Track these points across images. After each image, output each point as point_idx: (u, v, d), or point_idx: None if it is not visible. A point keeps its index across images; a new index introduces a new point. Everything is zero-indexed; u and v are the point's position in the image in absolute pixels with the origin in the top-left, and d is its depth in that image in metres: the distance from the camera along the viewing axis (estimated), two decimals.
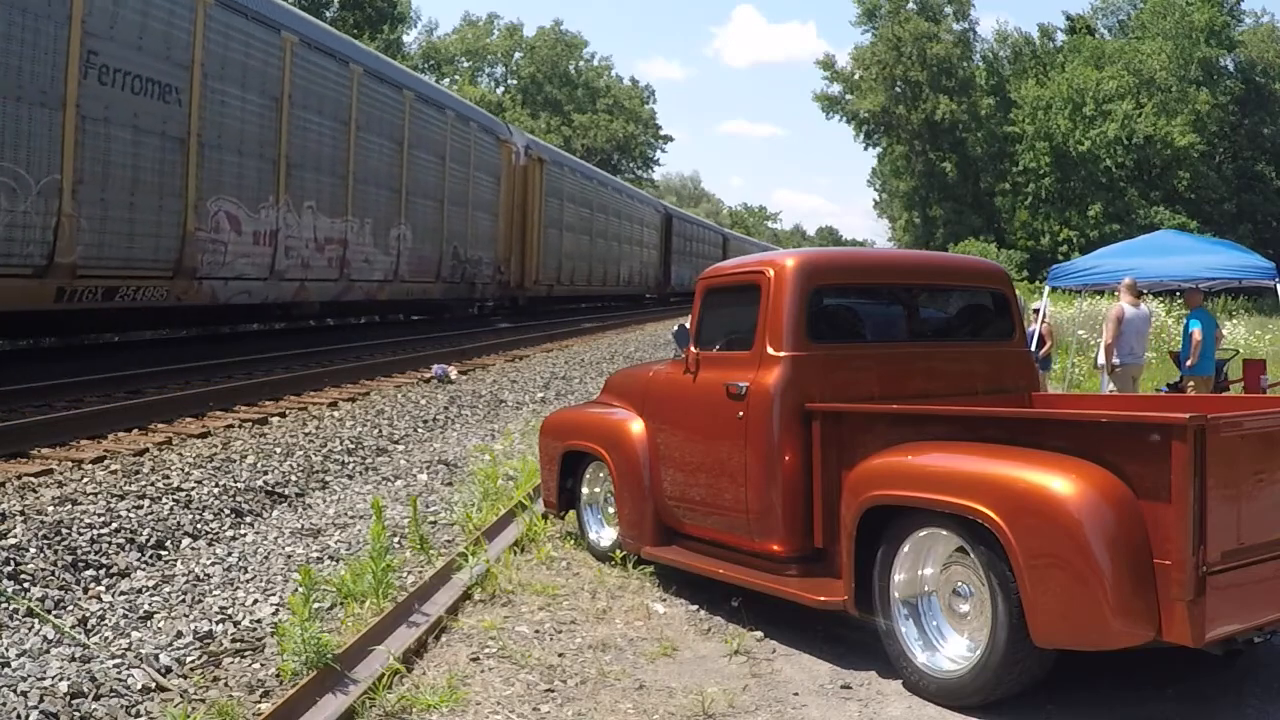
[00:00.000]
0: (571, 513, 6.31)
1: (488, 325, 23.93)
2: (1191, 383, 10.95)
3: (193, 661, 4.26)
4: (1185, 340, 11.24)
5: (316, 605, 4.37)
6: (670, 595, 5.37)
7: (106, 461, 7.47)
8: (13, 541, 5.32)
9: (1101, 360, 11.06)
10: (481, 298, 24.30)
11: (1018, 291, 6.22)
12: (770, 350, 4.83)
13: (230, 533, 6.30)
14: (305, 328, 19.26)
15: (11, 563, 5.06)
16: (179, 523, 6.22)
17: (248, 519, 6.64)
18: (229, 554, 5.80)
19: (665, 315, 36.32)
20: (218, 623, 4.68)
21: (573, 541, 6.23)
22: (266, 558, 5.78)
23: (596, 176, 36.31)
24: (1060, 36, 61.84)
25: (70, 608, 4.78)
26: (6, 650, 4.16)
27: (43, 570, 5.09)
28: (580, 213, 31.97)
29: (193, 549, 5.91)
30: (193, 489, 6.89)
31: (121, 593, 5.05)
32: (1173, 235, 14.97)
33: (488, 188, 23.44)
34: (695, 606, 5.16)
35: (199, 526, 6.28)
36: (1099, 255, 13.96)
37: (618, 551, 5.76)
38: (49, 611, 4.65)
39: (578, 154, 59.23)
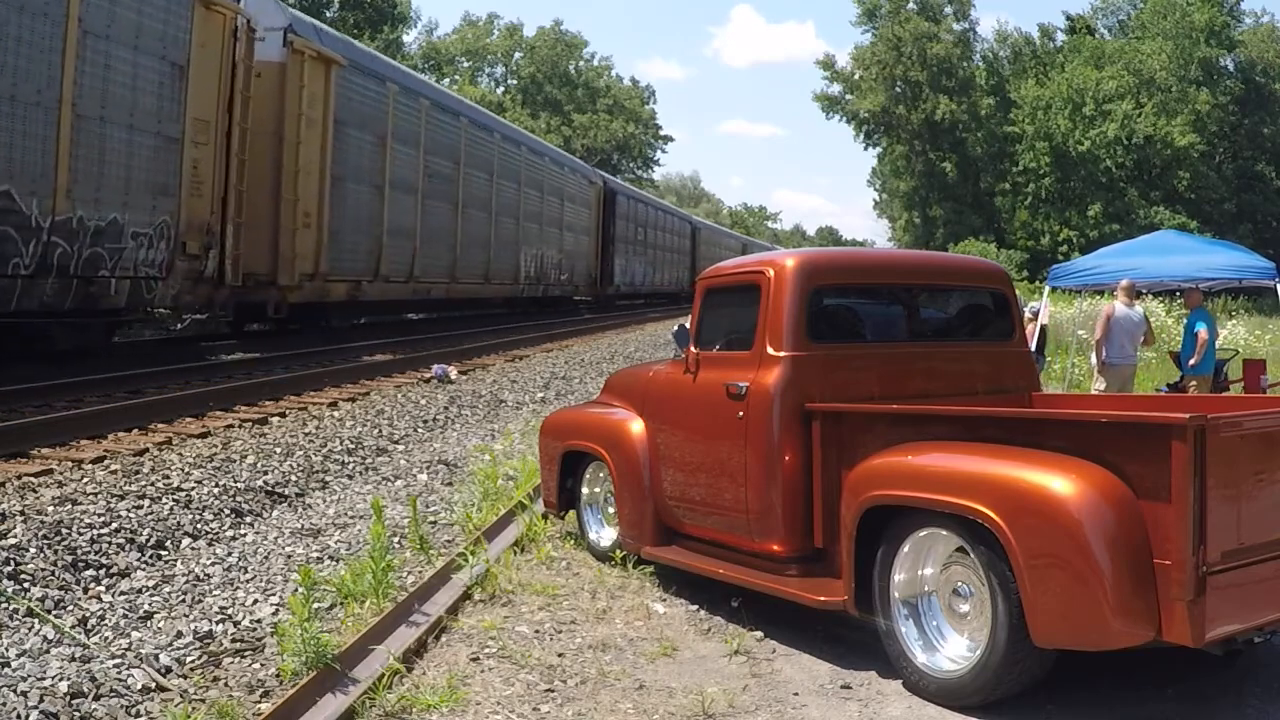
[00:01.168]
0: (571, 513, 6.31)
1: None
2: (1194, 382, 10.96)
3: (193, 661, 4.26)
4: (1189, 340, 11.25)
5: (316, 605, 4.37)
6: (670, 595, 5.37)
7: (106, 461, 7.47)
8: (13, 541, 5.32)
9: (1093, 359, 11.13)
10: (133, 304, 12.16)
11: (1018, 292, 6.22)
12: (770, 350, 4.83)
13: (230, 533, 6.30)
14: (305, 327, 19.23)
15: (11, 563, 5.06)
16: (179, 523, 6.22)
17: (248, 519, 6.64)
18: (229, 554, 5.80)
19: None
20: (218, 623, 4.68)
21: (573, 541, 6.23)
22: (266, 558, 5.78)
23: (468, 113, 22.59)
24: (1060, 36, 61.94)
25: (70, 608, 4.78)
26: (6, 650, 4.16)
27: (43, 570, 5.09)
28: (435, 166, 19.80)
29: (193, 549, 5.91)
30: (193, 489, 6.89)
31: (121, 593, 5.04)
32: (1173, 235, 14.98)
33: (149, 83, 11.50)
34: (695, 606, 5.16)
35: (199, 526, 6.28)
36: (1099, 255, 13.97)
37: (618, 551, 5.76)
38: (49, 611, 4.65)
39: (577, 154, 58.04)
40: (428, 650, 4.49)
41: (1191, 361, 11.08)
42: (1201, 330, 11.03)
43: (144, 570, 5.45)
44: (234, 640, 4.49)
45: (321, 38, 16.16)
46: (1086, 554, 3.41)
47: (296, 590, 4.37)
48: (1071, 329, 16.85)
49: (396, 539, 6.08)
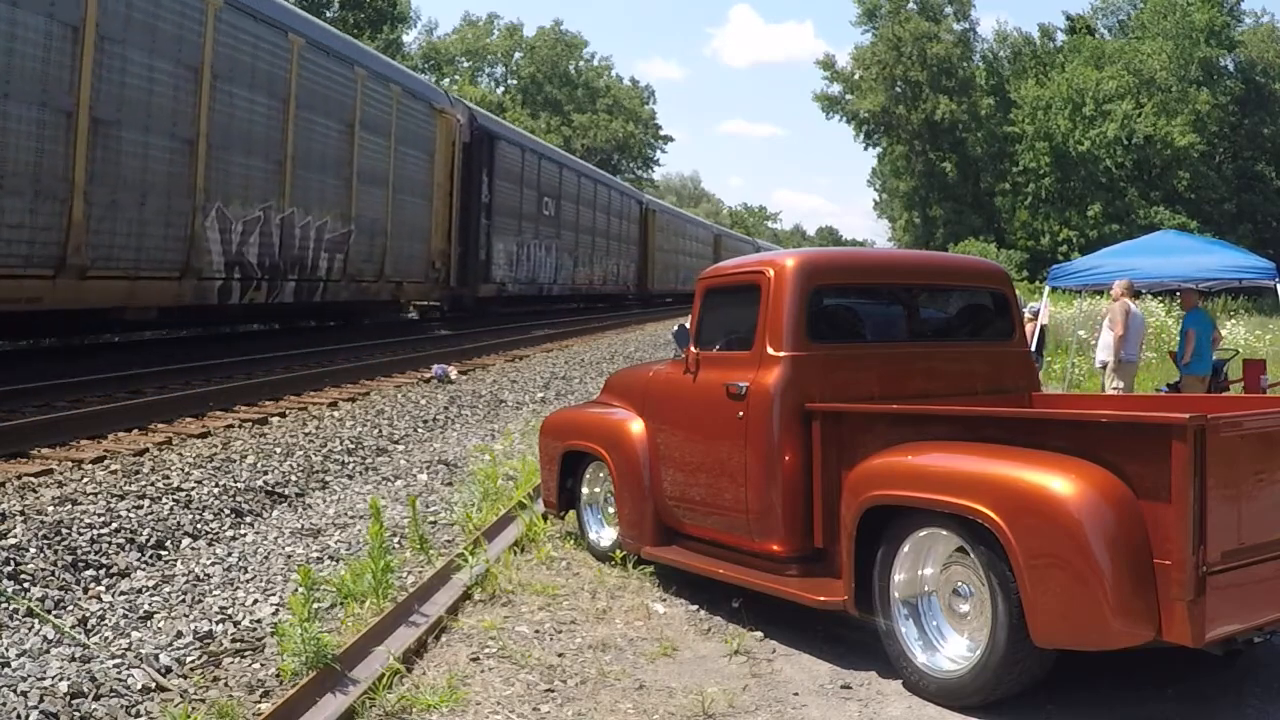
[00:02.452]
0: (571, 513, 6.31)
1: None
2: (1195, 382, 10.94)
3: (193, 661, 4.26)
4: (1183, 340, 11.27)
5: (316, 605, 4.36)
6: (670, 595, 5.37)
7: (106, 461, 7.47)
8: (13, 541, 5.32)
9: (1106, 358, 10.97)
10: None
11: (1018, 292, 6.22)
12: (770, 350, 4.83)
13: (230, 533, 6.30)
14: (306, 327, 19.21)
15: (11, 563, 5.06)
16: (179, 523, 6.22)
17: (248, 519, 6.64)
18: (229, 554, 5.80)
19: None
20: (218, 623, 4.68)
21: (573, 541, 6.23)
22: (266, 558, 5.78)
23: None
24: (1060, 36, 61.94)
25: (70, 608, 4.78)
26: (6, 650, 4.16)
27: (43, 570, 5.09)
28: None
29: (193, 549, 5.91)
30: (193, 489, 6.89)
31: (121, 593, 5.05)
32: (1173, 236, 14.99)
33: None
34: (695, 606, 5.16)
35: (199, 526, 6.28)
36: (1099, 255, 13.97)
37: (618, 551, 5.76)
38: (49, 611, 4.65)
39: (578, 154, 57.37)
40: (428, 650, 4.49)
41: (1183, 361, 11.09)
42: (1190, 330, 11.03)
43: (144, 570, 5.45)
44: (234, 640, 4.49)
45: None
46: (1086, 554, 3.41)
47: (296, 590, 4.37)
48: (1071, 329, 16.85)
49: (396, 539, 6.08)
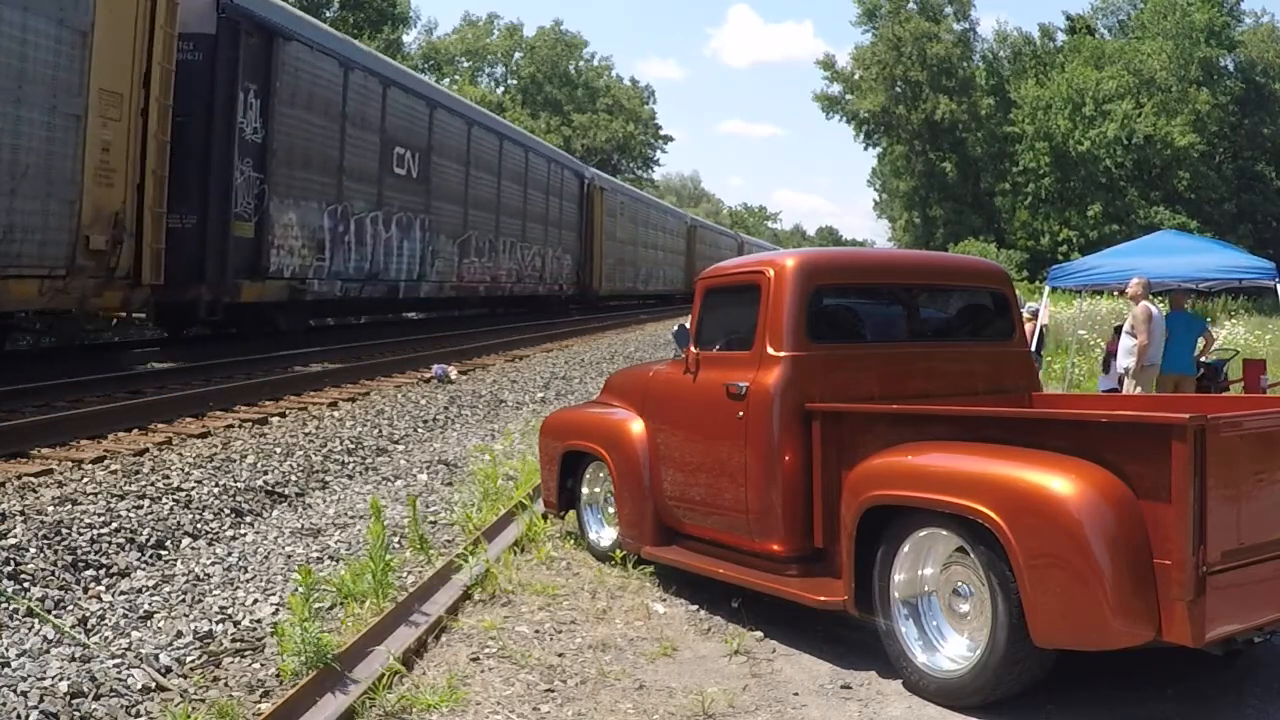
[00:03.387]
0: (571, 513, 6.31)
1: None
2: (1177, 379, 10.67)
3: (193, 661, 4.26)
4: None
5: (316, 605, 4.36)
6: (670, 595, 5.37)
7: (106, 461, 7.47)
8: (13, 541, 5.32)
9: (1127, 364, 10.44)
10: None
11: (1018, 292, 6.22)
12: (770, 350, 4.84)
13: (230, 533, 6.30)
14: (306, 328, 19.16)
15: (11, 563, 5.06)
16: (179, 523, 6.22)
17: (248, 519, 6.64)
18: (229, 554, 5.80)
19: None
20: (218, 623, 4.68)
21: (573, 541, 6.23)
22: (266, 558, 5.78)
23: None
24: (1060, 36, 61.95)
25: (70, 608, 4.78)
26: (6, 650, 4.16)
27: (43, 570, 5.09)
28: None
29: (193, 549, 5.91)
30: (193, 489, 6.88)
31: (121, 593, 5.05)
32: (1173, 236, 14.97)
33: None
34: (695, 606, 5.16)
35: (199, 526, 6.28)
36: (1100, 255, 13.95)
37: (618, 551, 5.76)
38: (49, 611, 4.65)
39: (577, 154, 57.21)
40: (428, 650, 4.49)
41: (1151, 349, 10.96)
42: (1166, 331, 10.78)
43: (144, 570, 5.45)
44: (234, 640, 4.49)
45: None
46: (1086, 554, 3.41)
47: (296, 590, 4.37)
48: (1071, 329, 16.86)
49: (396, 539, 6.08)
